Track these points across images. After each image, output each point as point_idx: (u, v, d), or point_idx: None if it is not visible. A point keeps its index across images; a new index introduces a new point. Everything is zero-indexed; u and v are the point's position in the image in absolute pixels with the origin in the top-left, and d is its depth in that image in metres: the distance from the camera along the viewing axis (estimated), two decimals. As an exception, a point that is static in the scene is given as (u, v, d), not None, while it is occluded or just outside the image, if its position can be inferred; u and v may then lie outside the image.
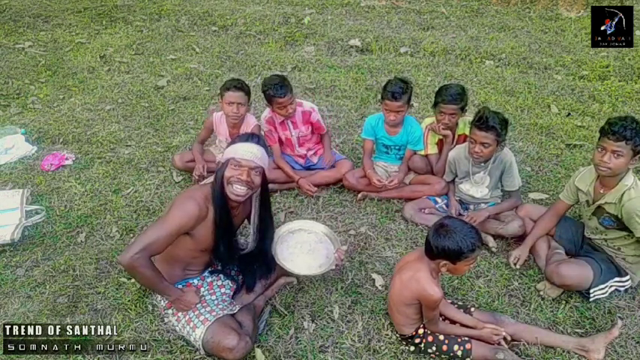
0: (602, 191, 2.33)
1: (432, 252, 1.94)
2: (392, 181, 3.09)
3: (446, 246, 1.88)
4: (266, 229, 2.28)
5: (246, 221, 2.33)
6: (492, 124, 2.58)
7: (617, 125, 2.14)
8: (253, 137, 2.09)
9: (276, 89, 2.99)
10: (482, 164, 2.82)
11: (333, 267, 2.35)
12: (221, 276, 2.31)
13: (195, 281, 2.22)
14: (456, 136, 3.08)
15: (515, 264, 2.57)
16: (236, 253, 2.25)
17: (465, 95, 2.93)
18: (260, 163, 2.03)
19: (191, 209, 1.96)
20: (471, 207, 2.99)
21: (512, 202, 2.88)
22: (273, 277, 2.45)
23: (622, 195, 2.22)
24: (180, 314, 2.11)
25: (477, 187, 2.90)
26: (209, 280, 2.27)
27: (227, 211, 2.07)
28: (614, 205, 2.27)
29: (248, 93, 3.12)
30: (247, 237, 2.32)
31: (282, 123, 3.23)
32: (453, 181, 3.04)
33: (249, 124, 3.20)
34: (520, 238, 2.75)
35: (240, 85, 3.07)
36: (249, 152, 2.00)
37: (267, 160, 2.11)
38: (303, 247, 2.43)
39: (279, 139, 3.31)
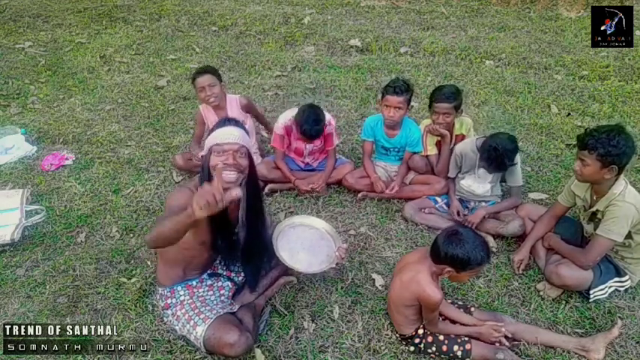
0: (595, 198, 2.35)
1: (439, 256, 1.94)
2: (392, 188, 3.09)
3: (455, 254, 1.88)
4: (256, 214, 2.19)
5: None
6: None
7: (585, 135, 2.18)
8: (229, 121, 2.04)
9: (312, 131, 2.94)
10: None
11: (334, 265, 2.34)
12: (221, 278, 2.31)
13: (195, 282, 2.22)
14: (454, 137, 3.09)
15: (518, 268, 2.57)
16: (236, 246, 2.21)
17: (458, 95, 2.93)
18: (243, 143, 1.97)
19: (186, 193, 1.93)
20: (472, 204, 2.99)
21: (512, 201, 2.88)
22: (274, 277, 2.45)
23: (610, 203, 2.24)
24: (179, 313, 2.11)
25: (479, 183, 2.91)
26: (209, 282, 2.27)
27: None
28: (603, 213, 2.28)
29: (214, 72, 3.15)
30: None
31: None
32: (453, 180, 3.04)
33: (234, 101, 3.26)
34: (520, 238, 2.75)
35: (202, 70, 3.14)
36: (230, 134, 1.95)
37: (249, 140, 2.05)
38: (304, 242, 2.41)
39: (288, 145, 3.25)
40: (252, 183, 2.12)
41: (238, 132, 1.98)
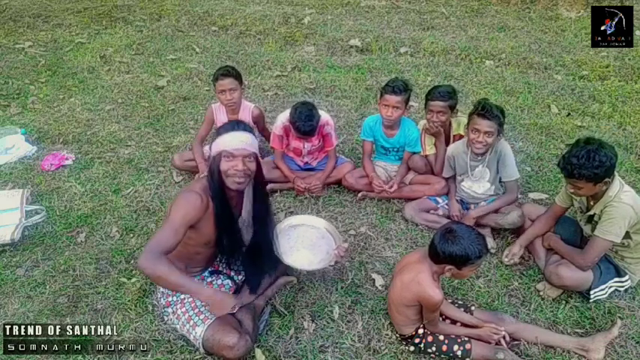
0: (592, 203, 2.35)
1: (438, 256, 1.94)
2: (391, 186, 3.09)
3: (453, 252, 1.88)
4: (263, 217, 2.21)
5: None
6: (496, 112, 2.63)
7: (566, 163, 2.18)
8: (238, 124, 2.04)
9: (305, 126, 2.93)
10: (480, 157, 2.81)
11: (332, 263, 2.33)
12: (221, 276, 2.31)
13: (195, 280, 2.21)
14: (452, 137, 3.08)
15: (506, 257, 2.58)
16: (240, 245, 2.21)
17: (454, 94, 2.94)
18: (252, 150, 2.00)
19: (193, 200, 1.94)
20: (472, 206, 2.99)
21: (508, 198, 2.85)
22: (274, 277, 2.45)
23: (606, 205, 2.24)
24: (179, 312, 2.11)
25: (478, 183, 2.90)
26: (208, 280, 2.27)
27: (226, 202, 2.06)
28: (600, 215, 2.28)
29: (237, 77, 3.13)
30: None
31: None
32: (454, 180, 3.03)
33: (247, 109, 3.25)
34: (520, 233, 2.74)
35: (227, 72, 3.09)
36: (239, 141, 1.97)
37: (257, 144, 2.08)
38: (305, 241, 2.41)
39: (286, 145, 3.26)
40: (259, 184, 2.15)
41: (248, 137, 2.00)
